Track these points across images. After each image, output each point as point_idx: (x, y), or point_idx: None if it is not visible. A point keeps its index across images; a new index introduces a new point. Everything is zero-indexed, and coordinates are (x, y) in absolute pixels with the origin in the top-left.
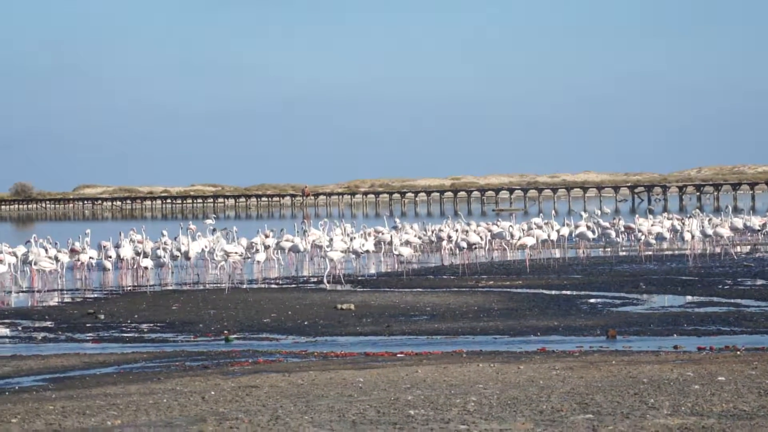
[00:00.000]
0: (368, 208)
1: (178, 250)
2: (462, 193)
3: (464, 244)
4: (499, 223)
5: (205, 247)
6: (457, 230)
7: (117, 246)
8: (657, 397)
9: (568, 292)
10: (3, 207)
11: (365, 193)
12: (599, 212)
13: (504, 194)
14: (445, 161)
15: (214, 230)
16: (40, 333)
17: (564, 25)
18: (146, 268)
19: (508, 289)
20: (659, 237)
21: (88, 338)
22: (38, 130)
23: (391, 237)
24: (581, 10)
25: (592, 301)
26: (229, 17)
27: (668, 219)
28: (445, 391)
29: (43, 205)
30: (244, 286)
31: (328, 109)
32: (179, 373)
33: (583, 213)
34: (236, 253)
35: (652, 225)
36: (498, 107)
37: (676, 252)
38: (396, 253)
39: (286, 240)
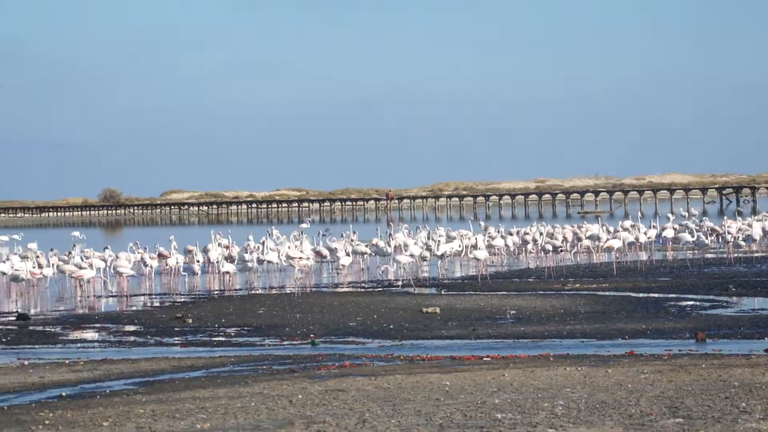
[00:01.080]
0: (452, 211)
1: (265, 254)
2: (546, 196)
3: (549, 247)
4: (585, 225)
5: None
6: (541, 233)
7: (204, 250)
8: (749, 401)
9: (656, 295)
10: (92, 212)
11: (449, 197)
12: (686, 214)
13: (589, 196)
14: (530, 164)
15: (303, 229)
16: (129, 337)
17: (662, 22)
18: (227, 272)
19: (595, 292)
20: (748, 239)
21: (176, 342)
22: (126, 136)
23: (476, 240)
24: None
25: (680, 303)
26: (308, 20)
27: (757, 221)
28: (533, 395)
29: (131, 210)
30: (331, 290)
31: (412, 111)
32: (266, 376)
33: (670, 215)
34: (301, 258)
35: (740, 227)
36: (582, 109)
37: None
38: (471, 256)
39: (371, 243)
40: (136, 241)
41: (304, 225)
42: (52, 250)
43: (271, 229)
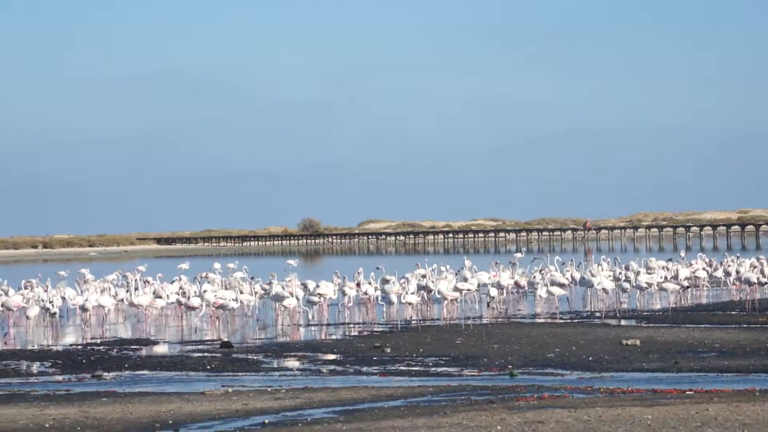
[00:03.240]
0: (651, 242)
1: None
2: (750, 227)
3: (753, 279)
4: None
5: (489, 280)
6: (743, 265)
7: (400, 279)
8: None
9: None
10: (292, 242)
11: (648, 227)
12: None
13: None
14: (732, 194)
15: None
16: (329, 366)
17: None
18: (410, 303)
19: None
20: None
21: (375, 371)
22: (325, 166)
23: (677, 271)
24: None
25: None
26: (503, 54)
27: None
28: (738, 431)
29: (330, 239)
30: (528, 321)
31: (610, 140)
32: (465, 407)
33: None
34: (469, 290)
35: None
36: None
37: None
38: (666, 287)
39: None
40: (336, 271)
41: (518, 255)
42: (253, 278)
43: (463, 260)
